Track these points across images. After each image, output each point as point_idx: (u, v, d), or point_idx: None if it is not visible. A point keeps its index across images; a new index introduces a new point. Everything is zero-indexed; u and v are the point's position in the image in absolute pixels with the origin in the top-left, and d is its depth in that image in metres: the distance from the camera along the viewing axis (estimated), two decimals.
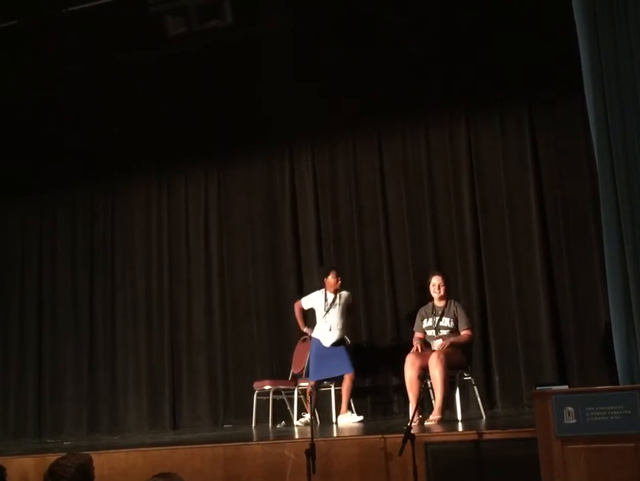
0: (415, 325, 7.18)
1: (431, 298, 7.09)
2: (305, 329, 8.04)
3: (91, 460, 3.33)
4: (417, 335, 7.10)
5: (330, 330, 7.79)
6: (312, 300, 7.99)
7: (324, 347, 7.77)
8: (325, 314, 7.81)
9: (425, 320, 7.05)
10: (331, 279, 7.90)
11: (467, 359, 6.99)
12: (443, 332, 6.91)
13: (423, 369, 6.66)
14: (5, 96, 9.06)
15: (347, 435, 6.54)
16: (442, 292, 7.00)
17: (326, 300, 7.87)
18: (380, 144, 8.91)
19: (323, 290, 7.95)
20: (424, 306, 7.18)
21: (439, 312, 6.98)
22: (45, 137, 10.00)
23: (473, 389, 7.17)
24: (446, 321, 6.93)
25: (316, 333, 7.87)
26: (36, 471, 6.11)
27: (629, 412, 4.50)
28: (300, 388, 7.93)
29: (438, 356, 6.55)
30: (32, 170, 10.17)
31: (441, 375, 6.51)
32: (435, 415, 6.52)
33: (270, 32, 8.53)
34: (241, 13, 7.72)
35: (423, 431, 5.78)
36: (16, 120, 9.77)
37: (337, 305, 7.85)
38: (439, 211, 8.56)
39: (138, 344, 9.72)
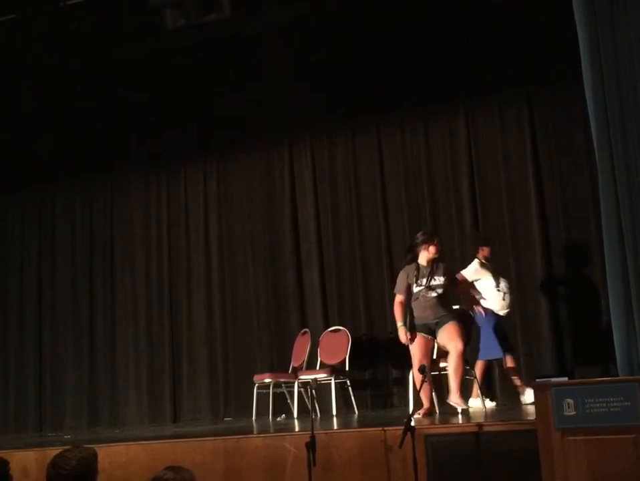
0: (399, 286, 6.93)
1: (415, 259, 6.88)
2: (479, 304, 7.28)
3: (95, 454, 3.33)
4: (400, 297, 6.87)
5: (504, 299, 7.38)
6: (478, 271, 7.40)
7: (498, 318, 7.37)
8: (497, 283, 7.38)
9: (414, 285, 6.80)
10: (487, 249, 7.51)
11: (468, 337, 6.94)
12: (439, 290, 6.73)
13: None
14: (4, 91, 9.06)
15: (347, 427, 6.55)
16: None
17: (489, 268, 7.42)
18: (379, 137, 8.91)
19: (477, 260, 7.44)
20: (408, 267, 6.93)
21: (427, 272, 6.76)
22: (44, 132, 10.00)
23: (472, 381, 7.19)
24: (439, 280, 6.73)
25: (489, 304, 7.37)
26: (37, 465, 6.13)
27: (629, 404, 4.51)
28: (300, 381, 7.93)
29: (454, 344, 6.53)
30: (31, 164, 10.17)
31: (457, 363, 6.52)
32: (457, 401, 6.50)
33: (270, 25, 8.53)
34: (240, 7, 7.72)
35: (424, 424, 5.79)
36: (15, 115, 9.77)
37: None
38: (439, 204, 8.56)
39: (138, 337, 9.73)
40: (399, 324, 6.75)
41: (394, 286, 8.51)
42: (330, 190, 9.08)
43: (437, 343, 6.75)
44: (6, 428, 9.95)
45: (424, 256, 6.81)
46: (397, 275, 8.33)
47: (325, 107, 8.93)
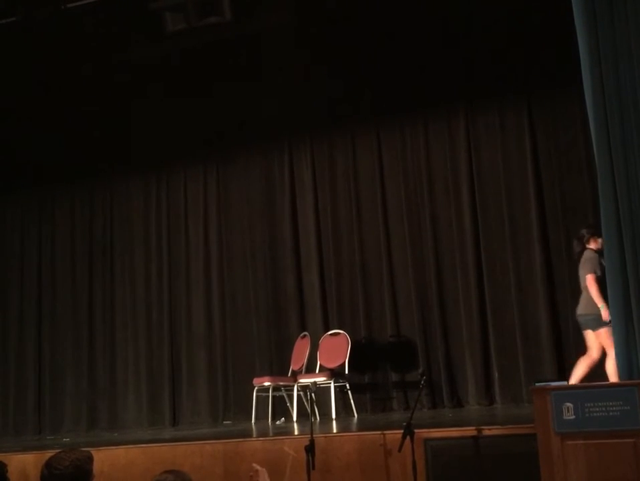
0: (593, 264, 6.58)
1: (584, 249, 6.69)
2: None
3: (90, 457, 3.32)
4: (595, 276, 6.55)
5: None
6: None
7: None
8: None
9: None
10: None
11: None
12: None
13: None
14: (5, 91, 9.06)
15: (346, 431, 6.55)
16: None
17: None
18: (379, 140, 8.91)
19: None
20: (595, 253, 6.66)
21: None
22: (44, 132, 10.00)
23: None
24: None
25: None
26: (36, 468, 6.11)
27: (628, 408, 4.51)
28: (300, 384, 7.92)
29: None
30: (31, 165, 10.16)
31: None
32: None
33: (270, 28, 8.54)
34: (240, 10, 7.73)
35: (423, 427, 5.78)
36: (15, 116, 9.77)
37: None
38: (438, 207, 8.56)
39: (138, 340, 9.71)
40: (604, 304, 6.36)
41: (393, 288, 8.60)
42: (330, 192, 9.07)
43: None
44: (5, 431, 9.93)
45: (593, 247, 6.68)
46: (396, 278, 8.34)
47: (325, 109, 8.93)
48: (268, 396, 8.04)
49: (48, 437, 9.27)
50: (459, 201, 8.43)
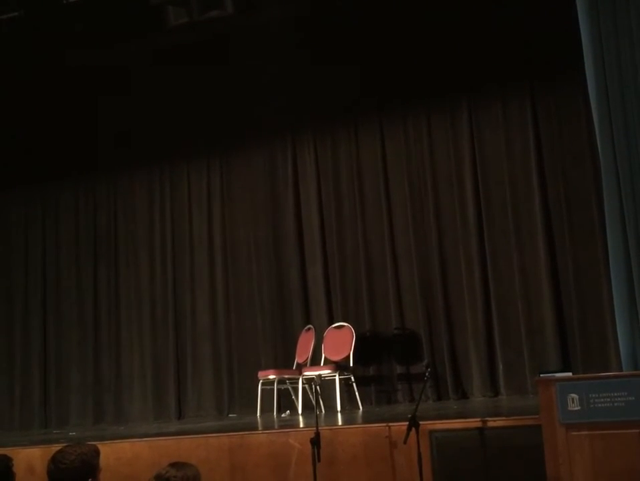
0: None
1: None
2: None
3: (96, 451, 3.34)
4: None
5: None
6: None
7: None
8: None
9: None
10: None
11: None
12: None
13: None
14: (6, 87, 9.07)
15: (352, 423, 6.56)
16: None
17: None
18: (382, 132, 8.89)
19: None
20: None
21: None
22: (46, 127, 10.01)
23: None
24: None
25: None
26: (42, 462, 6.09)
27: (633, 398, 4.51)
28: (304, 377, 7.93)
29: None
30: (34, 160, 10.17)
31: None
32: None
33: (271, 21, 8.53)
34: (242, 3, 7.72)
35: (428, 419, 5.79)
36: (17, 111, 9.78)
37: None
38: (442, 199, 8.54)
39: (143, 334, 9.73)
40: None
41: (397, 281, 8.60)
42: (333, 185, 9.07)
43: None
44: (12, 425, 9.96)
45: None
46: (400, 271, 8.29)
47: (328, 102, 8.92)
48: (273, 389, 8.05)
49: (54, 432, 9.27)
50: (463, 192, 8.42)
